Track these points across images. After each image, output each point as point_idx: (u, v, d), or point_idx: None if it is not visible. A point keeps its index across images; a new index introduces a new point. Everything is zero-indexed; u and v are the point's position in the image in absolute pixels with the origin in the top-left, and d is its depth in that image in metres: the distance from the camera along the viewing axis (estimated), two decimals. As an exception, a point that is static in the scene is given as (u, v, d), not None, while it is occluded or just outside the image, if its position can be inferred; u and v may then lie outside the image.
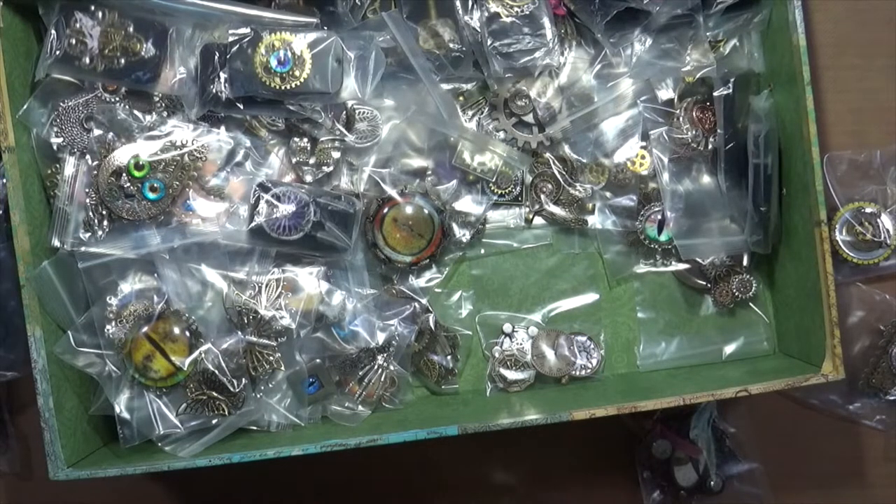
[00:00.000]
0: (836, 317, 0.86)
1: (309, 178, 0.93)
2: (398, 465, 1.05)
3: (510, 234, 1.00)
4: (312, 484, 1.05)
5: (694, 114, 0.95)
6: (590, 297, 1.00)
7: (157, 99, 0.89)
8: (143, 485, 1.04)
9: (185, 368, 0.88)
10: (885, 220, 1.00)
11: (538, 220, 0.99)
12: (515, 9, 0.91)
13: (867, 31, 1.02)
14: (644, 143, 0.97)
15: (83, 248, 0.87)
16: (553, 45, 0.92)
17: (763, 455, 1.04)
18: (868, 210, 1.00)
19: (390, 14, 0.90)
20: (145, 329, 0.87)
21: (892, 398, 1.03)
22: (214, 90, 0.86)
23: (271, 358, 0.91)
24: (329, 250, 0.90)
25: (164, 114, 0.90)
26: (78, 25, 0.85)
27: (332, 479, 1.05)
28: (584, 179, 0.98)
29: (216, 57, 0.86)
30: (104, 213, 0.87)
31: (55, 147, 0.88)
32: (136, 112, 0.89)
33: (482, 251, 0.99)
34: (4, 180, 0.86)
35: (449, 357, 0.97)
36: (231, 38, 0.87)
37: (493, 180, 0.96)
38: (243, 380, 0.89)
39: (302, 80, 0.86)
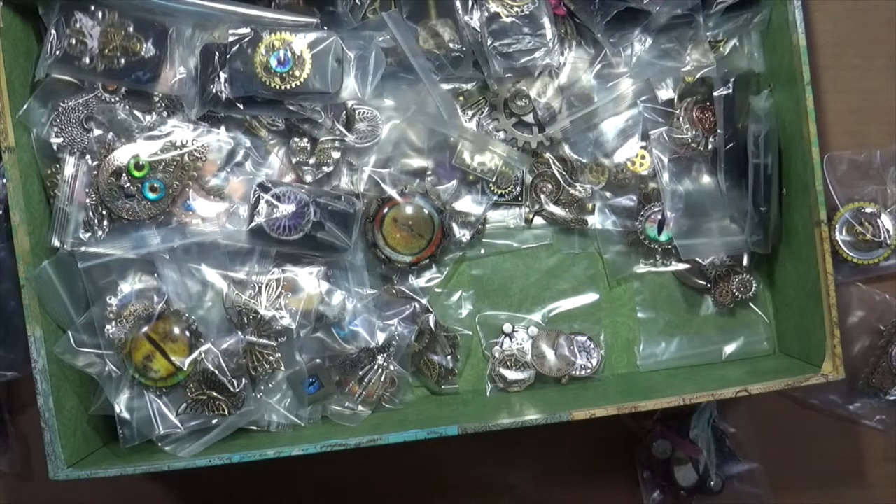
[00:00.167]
0: (836, 317, 0.86)
1: (309, 178, 0.93)
2: (398, 465, 1.05)
3: (510, 234, 1.00)
4: (312, 484, 1.05)
5: (694, 114, 0.95)
6: (590, 297, 1.00)
7: (157, 99, 0.89)
8: (143, 485, 1.04)
9: (185, 368, 0.88)
10: (885, 220, 1.00)
11: (538, 220, 0.99)
12: (515, 9, 0.91)
13: (867, 31, 1.02)
14: (644, 143, 0.97)
15: (83, 248, 0.87)
16: (553, 45, 0.92)
17: (763, 455, 1.04)
18: (868, 210, 1.00)
19: (390, 14, 0.90)
20: (145, 329, 0.87)
21: (892, 398, 1.03)
22: (214, 90, 0.86)
23: (271, 358, 0.91)
24: (329, 250, 0.90)
25: (164, 114, 0.90)
26: (78, 25, 0.85)
27: (332, 479, 1.05)
28: (584, 179, 0.98)
29: (216, 57, 0.86)
30: (104, 213, 0.87)
31: (55, 147, 0.88)
32: (136, 112, 0.89)
33: (482, 251, 0.99)
34: (4, 180, 0.86)
35: (449, 357, 0.97)
36: (231, 38, 0.87)
37: (493, 180, 0.96)
38: (243, 380, 0.89)
39: (302, 80, 0.86)
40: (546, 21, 0.92)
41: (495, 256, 1.00)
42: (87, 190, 0.87)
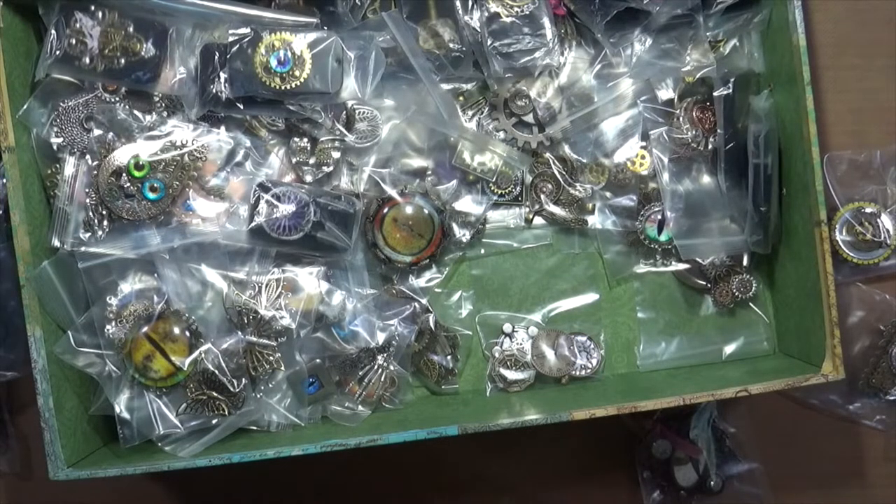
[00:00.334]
0: (836, 317, 0.86)
1: (309, 178, 0.93)
2: (398, 465, 1.05)
3: (510, 234, 1.00)
4: (312, 484, 1.05)
5: (694, 114, 0.95)
6: (590, 297, 1.00)
7: (157, 99, 0.89)
8: (143, 485, 1.04)
9: (185, 368, 0.88)
10: (885, 220, 1.00)
11: (538, 220, 0.99)
12: (515, 9, 0.91)
13: (867, 31, 1.02)
14: (644, 143, 0.97)
15: (83, 248, 0.87)
16: (553, 45, 0.92)
17: (763, 455, 1.04)
18: (868, 210, 1.00)
19: (390, 14, 0.90)
20: (145, 329, 0.87)
21: (892, 398, 1.03)
22: (214, 90, 0.86)
23: (271, 358, 0.91)
24: (329, 250, 0.90)
25: (164, 114, 0.90)
26: (78, 25, 0.85)
27: (332, 479, 1.05)
28: (584, 179, 0.98)
29: (216, 57, 0.86)
30: (104, 213, 0.87)
31: (55, 147, 0.88)
32: (136, 112, 0.89)
33: (482, 251, 0.99)
34: (4, 180, 0.86)
35: (449, 357, 0.97)
36: (231, 38, 0.87)
37: (493, 180, 0.96)
38: (243, 380, 0.89)
39: (302, 80, 0.86)
40: (546, 21, 0.92)
41: (495, 256, 1.00)
42: (87, 190, 0.87)
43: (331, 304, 0.91)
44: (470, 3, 0.92)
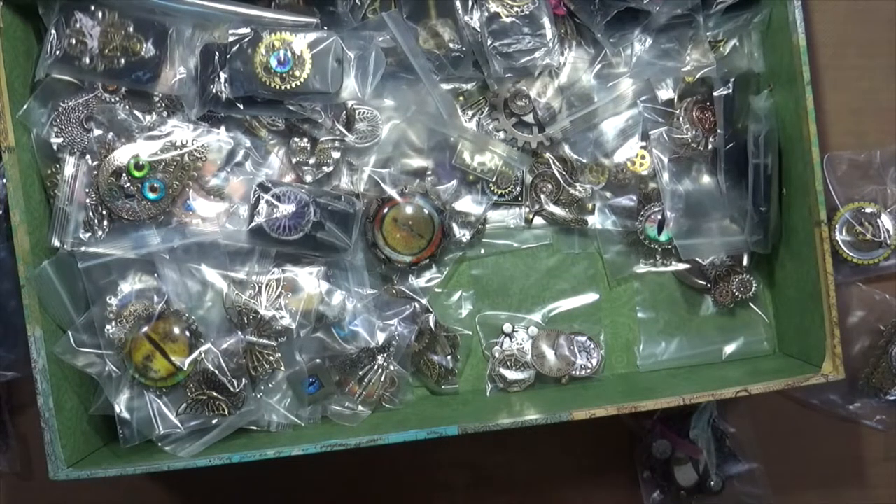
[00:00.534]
0: (836, 317, 0.86)
1: (309, 178, 0.93)
2: (398, 465, 1.05)
3: (510, 234, 1.00)
4: (312, 484, 1.05)
5: (694, 114, 0.95)
6: (590, 297, 1.00)
7: (157, 99, 0.89)
8: (143, 485, 1.04)
9: (185, 368, 0.88)
10: (885, 220, 1.00)
11: (538, 220, 0.99)
12: (515, 9, 0.91)
13: (867, 31, 1.02)
14: (644, 143, 0.97)
15: (83, 248, 0.87)
16: (553, 45, 0.92)
17: (763, 455, 1.04)
18: (868, 210, 1.00)
19: (390, 14, 0.90)
20: (145, 329, 0.87)
21: (892, 398, 1.03)
22: (214, 90, 0.86)
23: (271, 358, 0.91)
24: (329, 250, 0.90)
25: (164, 114, 0.90)
26: (78, 25, 0.85)
27: (332, 479, 1.05)
28: (584, 179, 0.98)
29: (216, 57, 0.86)
30: (104, 213, 0.87)
31: (55, 147, 0.88)
32: (136, 112, 0.89)
33: (482, 251, 0.99)
34: (4, 180, 0.86)
35: (449, 357, 0.97)
36: (231, 38, 0.87)
37: (493, 180, 0.96)
38: (243, 380, 0.89)
39: (302, 80, 0.86)
40: (546, 21, 0.92)
41: (495, 256, 1.00)
42: (87, 190, 0.87)
43: (331, 304, 0.91)
44: (470, 3, 0.92)
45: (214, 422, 0.88)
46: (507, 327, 0.99)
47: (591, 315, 1.00)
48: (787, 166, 0.91)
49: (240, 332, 0.90)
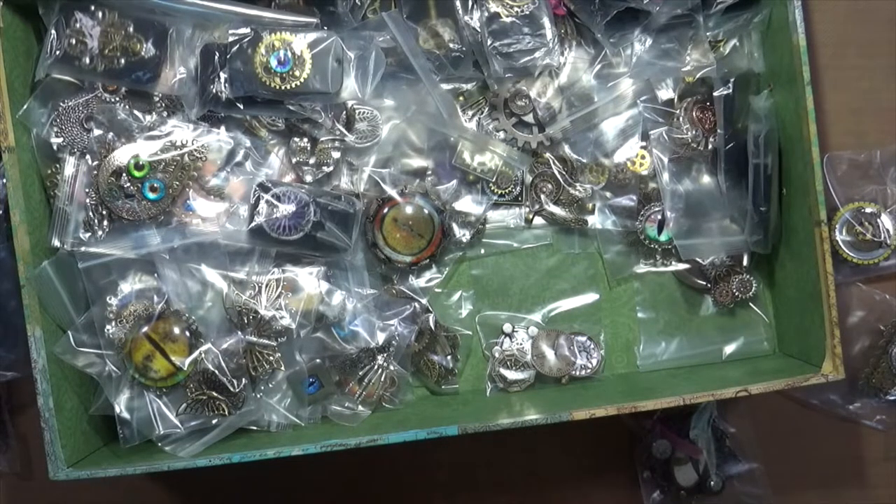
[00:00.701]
0: (836, 317, 0.86)
1: (309, 178, 0.93)
2: (398, 465, 1.05)
3: (510, 234, 1.00)
4: (312, 484, 1.05)
5: (694, 114, 0.95)
6: (590, 297, 1.00)
7: (157, 99, 0.89)
8: (143, 485, 1.04)
9: (185, 368, 0.88)
10: (885, 220, 1.00)
11: (538, 220, 0.99)
12: (515, 9, 0.91)
13: (867, 31, 1.02)
14: (644, 143, 0.97)
15: (83, 248, 0.87)
16: (553, 45, 0.92)
17: (763, 455, 1.04)
18: (868, 210, 1.00)
19: (390, 14, 0.90)
20: (145, 329, 0.87)
21: (892, 398, 1.03)
22: (214, 90, 0.86)
23: (271, 358, 0.91)
24: (329, 250, 0.90)
25: (164, 114, 0.90)
26: (78, 25, 0.85)
27: (332, 479, 1.05)
28: (584, 179, 0.98)
29: (216, 57, 0.86)
30: (104, 213, 0.87)
31: (55, 147, 0.88)
32: (136, 112, 0.89)
33: (482, 251, 0.99)
34: (4, 180, 0.86)
35: (449, 357, 0.97)
36: (231, 38, 0.87)
37: (493, 180, 0.96)
38: (243, 380, 0.89)
39: (302, 80, 0.86)
40: (546, 21, 0.92)
41: (495, 256, 1.00)
42: (87, 190, 0.87)
43: (331, 304, 0.91)
44: (470, 3, 0.92)
45: (214, 422, 0.88)
46: (507, 327, 0.99)
47: (591, 315, 1.00)
48: (787, 166, 0.91)
49: (240, 332, 0.90)
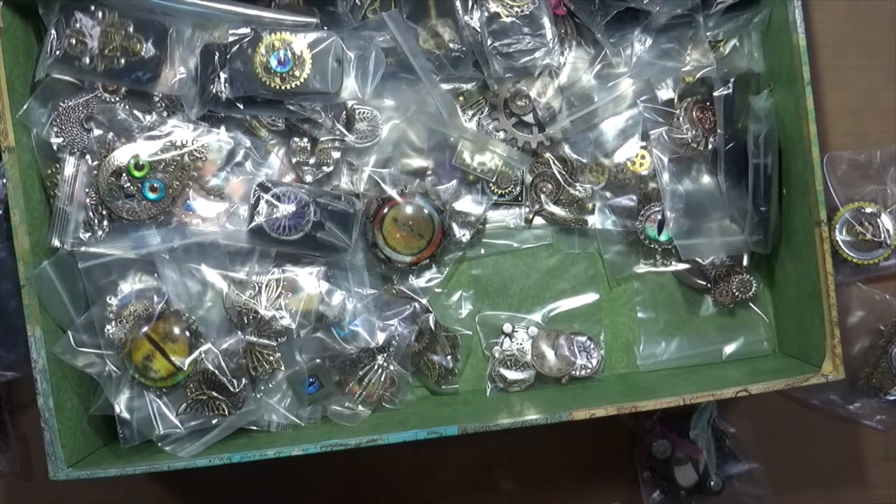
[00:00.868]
0: (836, 317, 0.86)
1: (309, 178, 0.93)
2: (398, 465, 1.05)
3: (510, 234, 1.00)
4: (312, 484, 1.05)
5: (694, 114, 0.95)
6: (590, 297, 1.00)
7: (157, 99, 0.89)
8: (143, 485, 1.04)
9: (185, 368, 0.88)
10: (885, 220, 1.00)
11: (538, 220, 0.99)
12: (515, 9, 0.91)
13: (867, 31, 1.02)
14: (644, 143, 0.97)
15: (83, 248, 0.87)
16: (553, 45, 0.92)
17: (763, 455, 1.04)
18: (868, 210, 1.00)
19: (390, 14, 0.90)
20: (145, 329, 0.87)
21: (892, 398, 1.03)
22: (214, 90, 0.86)
23: (271, 358, 0.91)
24: (329, 250, 0.90)
25: (164, 114, 0.90)
26: (78, 25, 0.85)
27: (332, 479, 1.05)
28: (584, 179, 0.98)
29: (216, 57, 0.86)
30: (104, 213, 0.87)
31: (55, 147, 0.88)
32: (136, 112, 0.89)
33: (482, 251, 0.99)
34: (4, 180, 0.86)
35: (449, 357, 0.97)
36: (231, 38, 0.87)
37: (493, 180, 0.96)
38: (243, 380, 0.89)
39: (302, 80, 0.86)
40: (546, 21, 0.92)
41: (495, 256, 1.00)
42: (87, 190, 0.87)
43: (331, 304, 0.91)
44: (470, 3, 0.92)
45: (214, 422, 0.88)
46: (507, 327, 0.99)
47: (591, 315, 1.00)
48: (787, 166, 0.91)
49: (240, 332, 0.90)
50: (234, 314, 0.90)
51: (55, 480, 0.83)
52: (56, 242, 0.87)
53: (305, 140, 0.93)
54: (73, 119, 0.88)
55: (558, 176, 0.97)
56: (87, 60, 0.86)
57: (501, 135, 0.96)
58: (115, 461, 0.87)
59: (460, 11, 0.92)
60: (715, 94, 0.93)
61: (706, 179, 0.98)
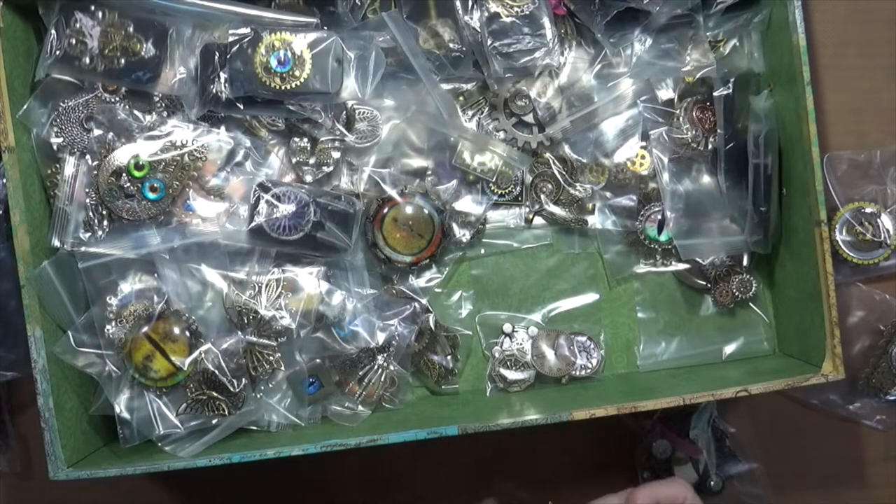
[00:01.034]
0: (836, 317, 0.86)
1: (309, 178, 0.93)
2: (398, 465, 1.05)
3: (510, 234, 1.00)
4: (312, 484, 1.05)
5: (694, 114, 0.95)
6: (590, 297, 1.00)
7: (157, 99, 0.89)
8: (143, 485, 1.04)
9: (185, 368, 0.88)
10: (885, 220, 1.00)
11: (538, 220, 0.99)
12: (515, 9, 0.91)
13: (867, 31, 1.02)
14: (644, 143, 0.97)
15: (83, 248, 0.87)
16: (553, 45, 0.92)
17: (763, 455, 1.04)
18: (868, 210, 1.00)
19: (390, 14, 0.90)
20: (145, 329, 0.87)
21: (892, 398, 1.03)
22: (214, 90, 0.86)
23: (271, 358, 0.91)
24: (329, 250, 0.90)
25: (164, 114, 0.90)
26: (78, 25, 0.85)
27: (332, 479, 1.05)
28: (584, 179, 0.98)
29: (216, 57, 0.86)
30: (104, 213, 0.87)
31: (55, 147, 0.88)
32: (136, 112, 0.89)
33: (482, 251, 0.99)
34: (4, 180, 0.86)
35: (449, 357, 0.97)
36: (231, 38, 0.87)
37: (493, 180, 0.96)
38: (243, 380, 0.89)
39: (302, 80, 0.86)
40: (546, 21, 0.92)
41: (495, 256, 1.00)
42: (87, 190, 0.87)
43: (331, 304, 0.91)
44: (470, 3, 0.92)
45: (214, 422, 0.88)
46: (507, 327, 0.99)
47: (591, 315, 1.00)
48: (787, 166, 0.91)
49: (240, 332, 0.90)
50: (234, 314, 0.90)
51: (55, 480, 0.83)
52: (56, 242, 0.87)
53: (305, 140, 0.93)
54: (73, 119, 0.88)
55: (558, 176, 0.97)
56: (87, 60, 0.86)
57: (501, 135, 0.96)
58: (115, 461, 0.87)
59: (460, 11, 0.92)
60: (715, 94, 0.93)
61: (706, 179, 0.98)
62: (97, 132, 0.87)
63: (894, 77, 1.03)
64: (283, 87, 0.86)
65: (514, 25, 0.91)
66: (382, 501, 1.07)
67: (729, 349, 1.00)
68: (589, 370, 0.98)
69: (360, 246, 0.94)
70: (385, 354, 0.94)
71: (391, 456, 1.02)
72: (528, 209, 0.99)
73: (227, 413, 0.89)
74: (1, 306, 0.95)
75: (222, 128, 0.91)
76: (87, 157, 0.88)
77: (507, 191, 0.97)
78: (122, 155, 0.87)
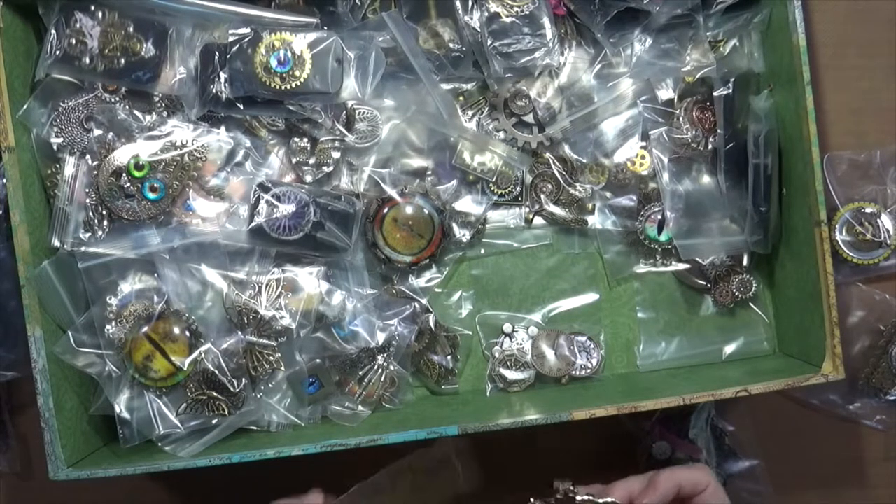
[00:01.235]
0: (836, 317, 0.86)
1: (309, 178, 0.93)
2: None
3: (510, 234, 1.00)
4: (312, 484, 1.05)
5: (694, 114, 0.95)
6: (590, 297, 1.00)
7: (157, 99, 0.89)
8: (143, 485, 1.04)
9: (185, 368, 0.88)
10: (885, 220, 1.00)
11: (538, 220, 0.99)
12: (515, 9, 0.91)
13: (867, 31, 1.02)
14: (644, 143, 0.97)
15: (83, 248, 0.87)
16: (553, 45, 0.92)
17: (763, 455, 1.04)
18: (868, 210, 1.00)
19: (390, 14, 0.90)
20: (145, 329, 0.87)
21: (892, 398, 1.03)
22: (214, 90, 0.86)
23: (271, 358, 0.91)
24: (329, 250, 0.90)
25: (164, 114, 0.90)
26: (78, 25, 0.85)
27: (332, 479, 1.05)
28: (584, 179, 0.98)
29: (216, 57, 0.86)
30: (104, 213, 0.87)
31: (55, 147, 0.88)
32: (136, 112, 0.89)
33: (482, 251, 0.99)
34: (4, 180, 0.86)
35: (449, 357, 0.97)
36: (231, 38, 0.87)
37: (493, 180, 0.96)
38: (243, 380, 0.89)
39: (302, 80, 0.86)
40: (546, 21, 0.92)
41: (495, 256, 1.00)
42: (87, 190, 0.87)
43: (331, 304, 0.91)
44: (470, 3, 0.92)
45: (214, 422, 0.88)
46: (507, 327, 0.99)
47: (591, 315, 1.00)
48: (787, 166, 0.91)
49: (240, 332, 0.90)
50: (234, 314, 0.90)
51: (55, 480, 0.83)
52: (56, 242, 0.87)
53: (305, 140, 0.93)
54: (73, 119, 0.88)
55: (558, 176, 0.97)
56: (87, 60, 0.86)
57: (501, 135, 0.96)
58: (115, 461, 0.87)
59: (460, 11, 0.92)
60: (715, 94, 0.93)
61: (706, 179, 0.98)
62: (97, 132, 0.87)
63: (894, 77, 1.03)
64: (283, 87, 0.86)
65: (514, 25, 0.91)
66: (382, 501, 1.07)
67: (729, 349, 1.00)
68: (589, 370, 0.98)
69: (360, 246, 0.94)
70: (385, 354, 0.94)
71: (391, 456, 1.02)
72: (528, 209, 0.99)
73: (227, 413, 0.89)
74: (1, 306, 0.95)
75: (222, 128, 0.91)
76: (87, 157, 0.88)
77: (507, 191, 0.97)
78: (122, 155, 0.87)
